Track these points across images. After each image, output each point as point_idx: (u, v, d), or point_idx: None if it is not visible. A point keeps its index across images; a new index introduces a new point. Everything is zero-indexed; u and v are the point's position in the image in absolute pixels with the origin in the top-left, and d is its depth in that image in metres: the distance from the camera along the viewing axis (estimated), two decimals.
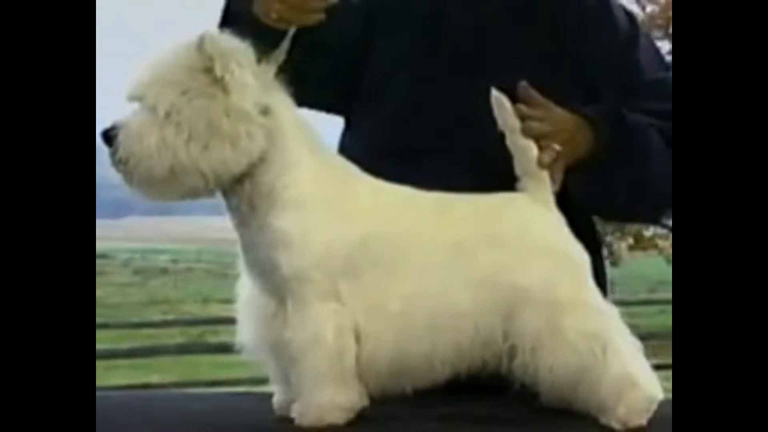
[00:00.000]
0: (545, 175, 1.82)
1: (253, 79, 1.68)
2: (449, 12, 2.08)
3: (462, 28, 2.08)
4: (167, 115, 1.65)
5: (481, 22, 2.08)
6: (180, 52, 1.68)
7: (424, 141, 1.99)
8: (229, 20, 1.72)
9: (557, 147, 1.84)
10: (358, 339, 1.69)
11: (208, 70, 1.66)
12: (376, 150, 1.96)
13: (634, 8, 16.38)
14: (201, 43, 1.66)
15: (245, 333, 1.79)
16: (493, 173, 1.86)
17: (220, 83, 1.66)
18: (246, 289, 1.79)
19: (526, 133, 1.82)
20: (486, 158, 1.94)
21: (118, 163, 1.67)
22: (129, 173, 1.67)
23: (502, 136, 1.87)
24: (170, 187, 1.68)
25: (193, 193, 1.71)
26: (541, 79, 1.93)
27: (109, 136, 1.67)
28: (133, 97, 1.68)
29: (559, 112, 1.90)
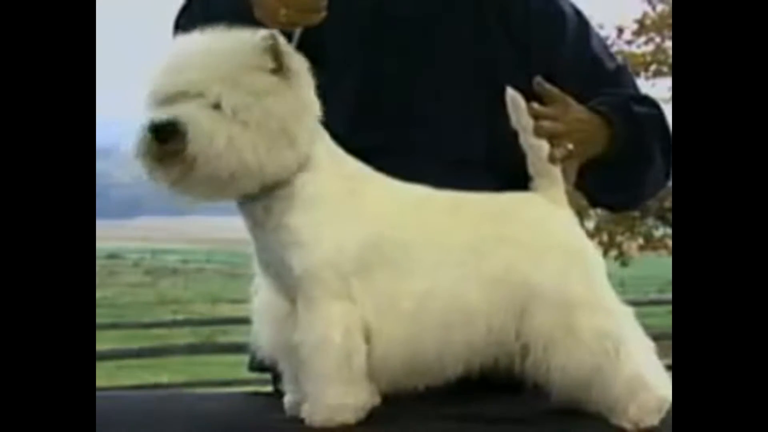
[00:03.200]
0: (558, 173, 1.81)
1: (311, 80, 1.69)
2: (390, 11, 2.07)
3: (405, 21, 2.07)
4: (234, 113, 1.60)
5: (424, 14, 2.08)
6: (244, 51, 1.64)
7: (376, 139, 1.95)
8: (209, 23, 1.69)
9: (570, 146, 1.83)
10: (369, 338, 1.68)
11: (276, 71, 1.64)
12: None
13: (645, 8, 16.37)
14: (276, 42, 1.65)
15: (261, 335, 1.78)
16: (449, 167, 1.89)
17: (287, 83, 1.65)
18: (262, 291, 1.78)
19: (538, 132, 1.81)
20: (440, 153, 1.97)
21: (180, 161, 1.60)
22: (191, 173, 1.61)
23: (455, 130, 1.92)
24: (225, 189, 1.64)
25: (240, 196, 1.68)
26: (492, 69, 1.93)
27: (167, 132, 1.59)
28: (187, 94, 1.62)
29: (576, 110, 1.90)
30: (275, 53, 1.65)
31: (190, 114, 1.60)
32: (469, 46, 2.07)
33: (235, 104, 1.61)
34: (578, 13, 2.16)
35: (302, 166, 1.68)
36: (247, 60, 1.64)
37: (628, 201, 2.25)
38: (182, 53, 1.67)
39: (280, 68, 1.65)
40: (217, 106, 1.61)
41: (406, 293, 1.69)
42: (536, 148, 1.81)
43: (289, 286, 1.71)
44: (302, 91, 1.67)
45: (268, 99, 1.63)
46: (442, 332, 1.70)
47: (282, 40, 1.66)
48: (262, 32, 1.66)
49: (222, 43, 1.66)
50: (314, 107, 1.69)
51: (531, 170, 1.81)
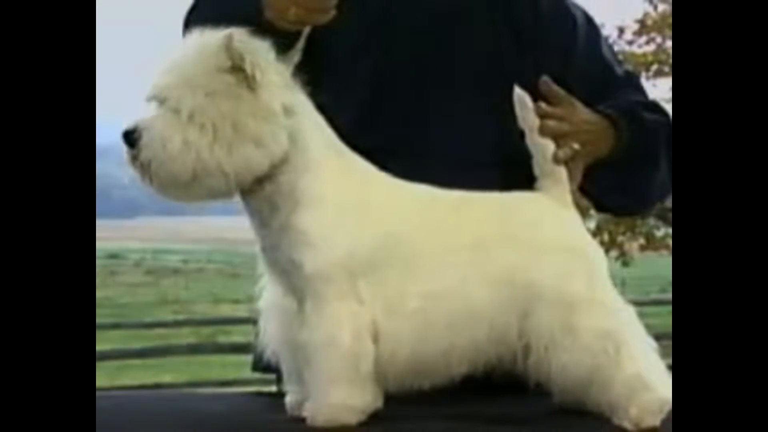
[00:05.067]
0: (563, 174, 1.81)
1: (279, 79, 1.68)
2: (399, 12, 2.07)
3: (415, 23, 2.07)
4: (191, 116, 1.63)
5: (434, 16, 2.07)
6: (204, 52, 1.66)
7: (384, 139, 1.94)
8: (221, 23, 1.69)
9: (576, 146, 1.84)
10: (377, 338, 1.68)
11: (235, 70, 1.64)
12: None
13: (646, 7, 16.37)
14: (229, 42, 1.64)
15: (266, 333, 1.78)
16: (457, 168, 1.89)
17: (245, 83, 1.64)
18: (268, 290, 1.78)
19: (544, 131, 1.81)
20: (448, 154, 1.97)
21: (139, 165, 1.65)
22: (150, 176, 1.65)
23: (464, 131, 1.92)
24: (191, 189, 1.66)
25: (214, 195, 1.69)
26: (501, 71, 1.93)
27: (132, 138, 1.65)
28: (156, 99, 1.66)
29: (582, 111, 1.91)
30: (232, 52, 1.65)
31: (147, 120, 1.65)
32: (478, 48, 2.07)
33: (192, 107, 1.63)
34: (589, 18, 2.16)
35: (277, 166, 1.67)
36: (205, 61, 1.65)
37: (632, 205, 2.24)
38: (167, 57, 1.70)
39: (238, 67, 1.65)
40: (177, 110, 1.64)
41: (412, 293, 1.69)
42: (542, 148, 1.81)
43: (297, 286, 1.70)
44: (265, 91, 1.66)
45: (223, 100, 1.64)
46: (448, 332, 1.70)
47: (240, 38, 1.66)
48: (224, 31, 1.66)
49: (190, 44, 1.69)
50: (278, 106, 1.67)
51: (536, 170, 1.82)
